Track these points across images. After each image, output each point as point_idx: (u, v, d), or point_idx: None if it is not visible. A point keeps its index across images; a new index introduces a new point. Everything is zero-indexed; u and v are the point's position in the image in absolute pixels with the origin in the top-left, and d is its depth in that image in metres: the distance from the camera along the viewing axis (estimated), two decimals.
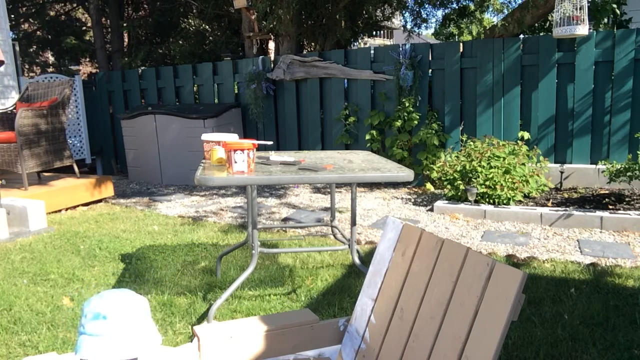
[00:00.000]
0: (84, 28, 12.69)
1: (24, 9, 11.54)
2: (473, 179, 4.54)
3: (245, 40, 7.58)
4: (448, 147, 5.58)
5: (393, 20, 10.29)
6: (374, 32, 11.49)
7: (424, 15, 8.85)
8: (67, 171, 5.94)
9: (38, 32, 12.12)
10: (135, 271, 3.34)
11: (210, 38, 9.95)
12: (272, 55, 7.78)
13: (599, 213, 3.97)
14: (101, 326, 1.29)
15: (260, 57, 6.63)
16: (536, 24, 7.35)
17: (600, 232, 3.88)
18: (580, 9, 4.78)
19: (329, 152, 2.97)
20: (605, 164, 4.70)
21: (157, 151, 6.49)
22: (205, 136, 2.56)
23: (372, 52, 5.99)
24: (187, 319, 2.63)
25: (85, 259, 3.61)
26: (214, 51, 9.24)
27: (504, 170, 4.49)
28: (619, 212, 4.01)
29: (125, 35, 10.59)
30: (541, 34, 7.44)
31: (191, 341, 2.38)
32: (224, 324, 1.51)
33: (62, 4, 11.99)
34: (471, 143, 4.92)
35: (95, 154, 7.73)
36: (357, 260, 2.60)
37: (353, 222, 2.63)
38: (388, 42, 27.62)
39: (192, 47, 9.25)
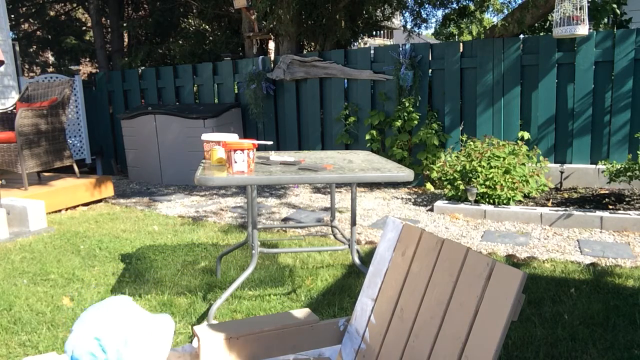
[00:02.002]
0: (84, 28, 12.69)
1: (24, 9, 11.54)
2: (473, 179, 4.54)
3: (245, 40, 7.58)
4: (448, 147, 5.58)
5: (393, 20, 10.28)
6: (374, 32, 11.49)
7: (424, 15, 8.86)
8: (67, 171, 5.94)
9: (38, 32, 12.13)
10: (135, 271, 3.34)
11: (210, 38, 9.95)
12: (272, 55, 7.78)
13: (599, 213, 3.97)
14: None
15: (260, 57, 6.63)
16: (536, 24, 7.35)
17: (600, 232, 3.88)
18: (580, 9, 4.78)
19: (329, 152, 2.97)
20: (605, 164, 4.69)
21: (157, 151, 6.49)
22: (205, 136, 2.56)
23: (372, 52, 5.99)
24: (187, 319, 2.63)
25: (85, 259, 3.61)
26: (214, 51, 9.24)
27: (504, 170, 4.49)
28: (619, 212, 4.01)
29: (125, 35, 10.59)
30: (541, 34, 7.44)
31: (191, 341, 2.38)
32: (224, 324, 1.51)
33: (62, 4, 11.99)
34: (471, 143, 4.92)
35: (95, 154, 7.73)
36: (357, 260, 2.60)
37: (353, 222, 2.63)
38: (388, 42, 27.61)
39: (192, 47, 9.25)
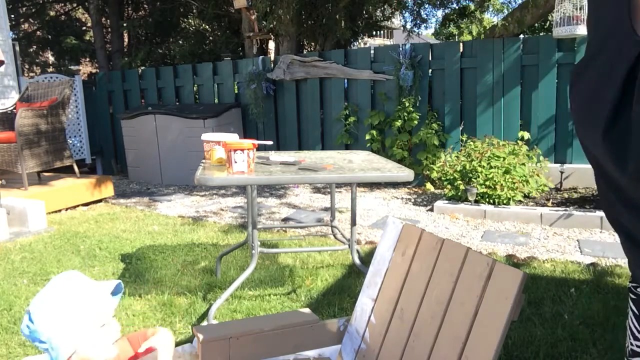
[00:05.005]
0: (84, 28, 12.70)
1: (24, 9, 11.55)
2: (473, 179, 4.54)
3: (245, 40, 7.58)
4: (448, 147, 5.57)
5: (393, 20, 10.29)
6: (374, 32, 11.50)
7: (424, 15, 8.87)
8: (67, 171, 5.94)
9: (38, 32, 12.13)
10: (135, 271, 3.34)
11: (210, 38, 9.96)
12: (272, 55, 7.78)
13: (599, 213, 3.97)
14: (40, 335, 1.40)
15: (260, 57, 6.63)
16: (536, 24, 7.35)
17: (601, 232, 3.88)
18: (580, 9, 4.78)
19: (329, 152, 2.97)
20: None
21: (157, 151, 6.49)
22: (205, 136, 2.56)
23: (372, 52, 5.98)
24: (187, 319, 2.63)
25: (85, 259, 3.61)
26: (214, 51, 9.24)
27: (504, 170, 4.49)
28: None
29: (125, 35, 10.59)
30: (541, 34, 7.44)
31: (191, 341, 2.38)
32: (224, 324, 1.51)
33: (62, 4, 11.99)
34: (471, 143, 4.92)
35: (95, 154, 7.73)
36: (357, 260, 2.60)
37: (353, 222, 2.63)
38: (388, 42, 27.60)
39: (192, 47, 9.25)
